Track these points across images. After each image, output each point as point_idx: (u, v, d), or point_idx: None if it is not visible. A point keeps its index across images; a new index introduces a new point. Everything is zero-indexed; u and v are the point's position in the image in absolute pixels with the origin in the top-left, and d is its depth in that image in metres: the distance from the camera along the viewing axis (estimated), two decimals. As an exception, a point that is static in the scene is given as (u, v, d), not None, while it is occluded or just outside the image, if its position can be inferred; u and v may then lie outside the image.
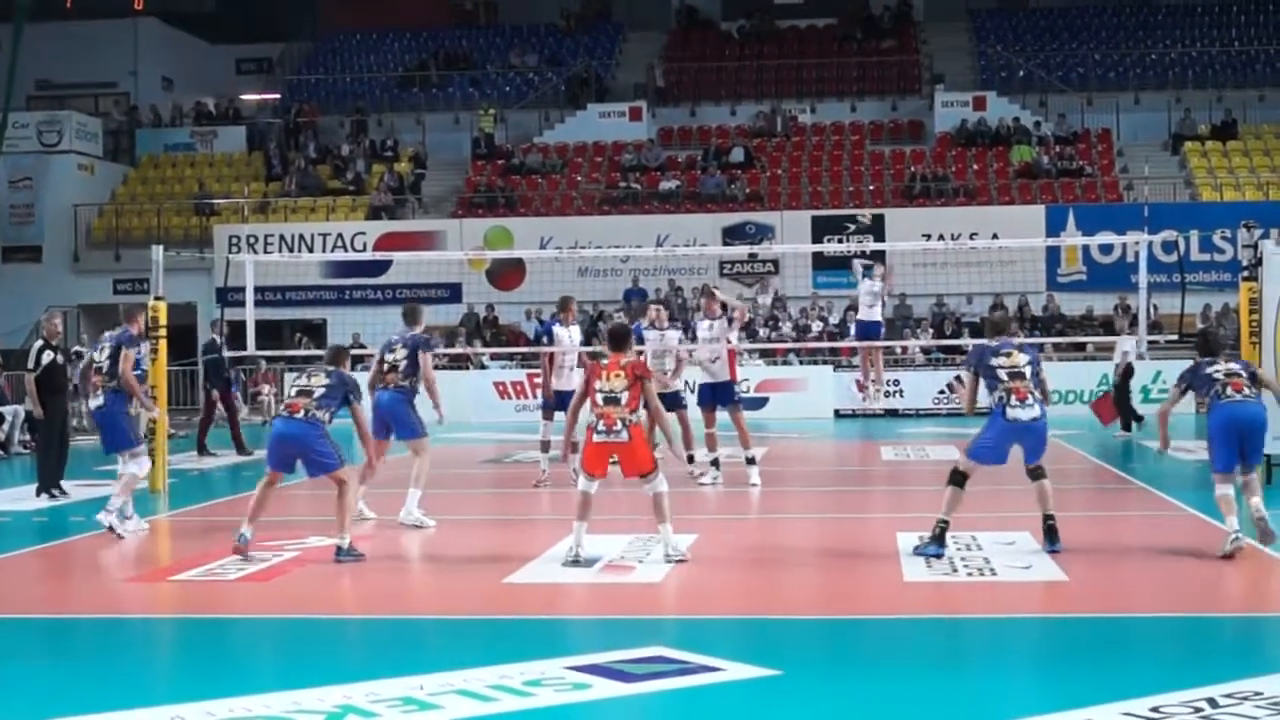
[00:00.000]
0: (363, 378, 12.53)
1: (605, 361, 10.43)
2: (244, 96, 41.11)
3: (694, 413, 15.60)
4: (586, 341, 18.12)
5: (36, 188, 35.03)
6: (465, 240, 31.94)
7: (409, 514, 12.29)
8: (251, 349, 17.75)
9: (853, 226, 31.14)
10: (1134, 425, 21.66)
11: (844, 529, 12.68)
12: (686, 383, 17.12)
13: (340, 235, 33.00)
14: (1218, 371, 10.54)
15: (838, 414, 27.14)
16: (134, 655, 8.12)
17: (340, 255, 31.94)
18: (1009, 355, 10.59)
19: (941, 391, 27.35)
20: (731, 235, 31.67)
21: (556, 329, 15.57)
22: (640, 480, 10.31)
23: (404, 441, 12.51)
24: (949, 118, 35.72)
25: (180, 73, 41.66)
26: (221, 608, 9.27)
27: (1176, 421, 11.34)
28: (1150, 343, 18.63)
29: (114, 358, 12.63)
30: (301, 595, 9.68)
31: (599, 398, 10.20)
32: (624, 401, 10.17)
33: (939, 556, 10.21)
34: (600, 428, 10.16)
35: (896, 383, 26.99)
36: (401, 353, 12.59)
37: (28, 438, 20.63)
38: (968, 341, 21.27)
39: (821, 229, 31.09)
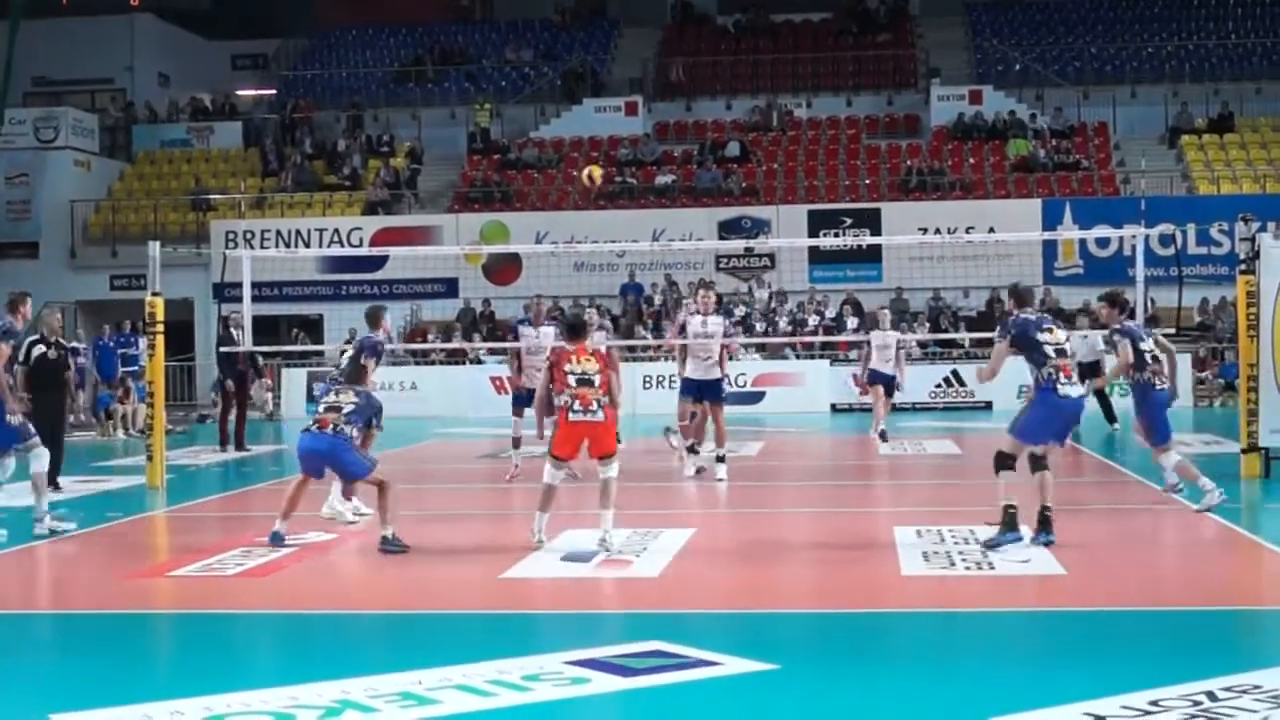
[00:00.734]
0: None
1: (572, 348, 10.68)
2: (240, 92, 41.12)
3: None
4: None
5: (33, 184, 35.02)
6: (461, 235, 31.95)
7: (330, 506, 12.37)
8: (248, 344, 17.77)
9: (849, 220, 31.15)
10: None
11: (841, 523, 12.68)
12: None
13: (336, 231, 32.99)
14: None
15: (834, 408, 27.15)
16: (132, 651, 8.11)
17: (337, 250, 31.97)
18: (1051, 331, 10.39)
19: (938, 385, 27.38)
20: (727, 230, 31.66)
21: (524, 329, 15.70)
22: (599, 462, 10.60)
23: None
24: (945, 111, 35.71)
25: (176, 69, 41.66)
26: (220, 603, 9.26)
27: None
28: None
29: None
30: (300, 590, 9.68)
31: (571, 380, 10.50)
32: (597, 384, 10.50)
33: (1019, 540, 10.13)
34: (576, 407, 10.48)
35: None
36: (350, 352, 12.50)
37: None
38: (964, 335, 21.29)
39: (817, 223, 31.08)
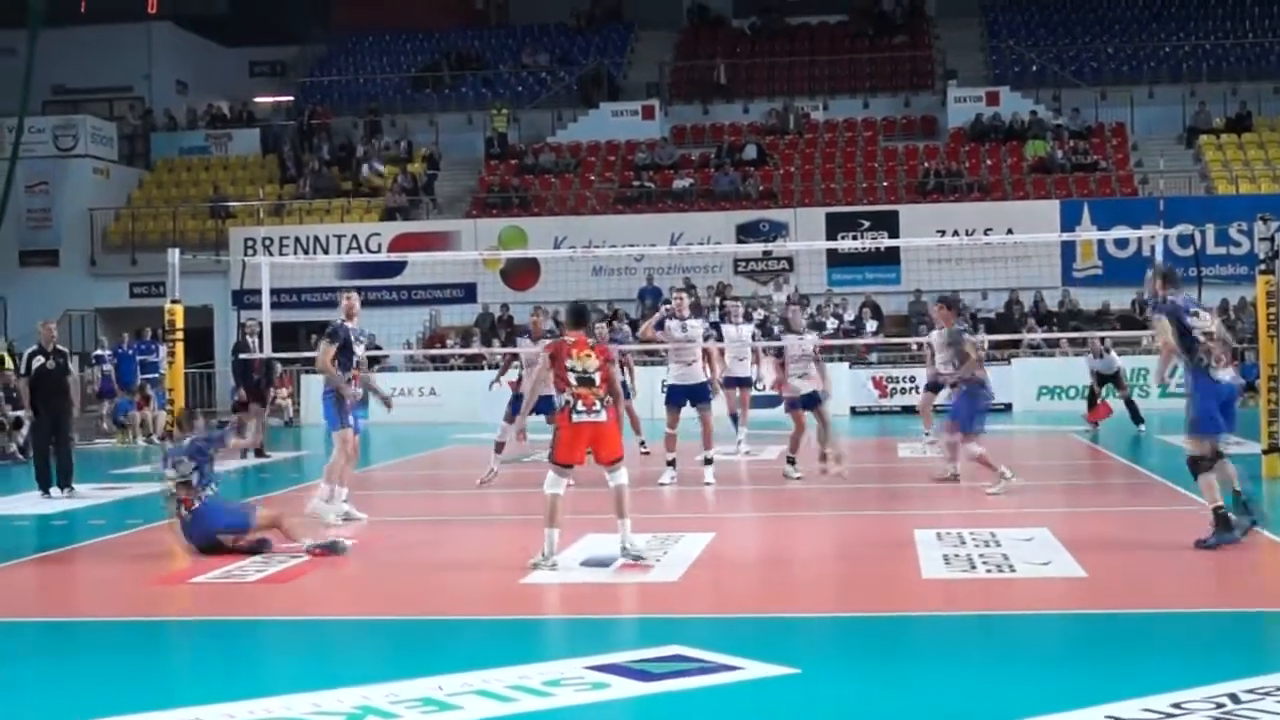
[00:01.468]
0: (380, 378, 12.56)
1: (571, 340, 10.20)
2: (258, 99, 41.25)
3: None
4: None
5: (53, 192, 35.19)
6: (480, 240, 31.99)
7: (314, 505, 12.45)
8: (268, 351, 17.81)
9: (867, 223, 31.11)
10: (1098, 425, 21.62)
11: (861, 526, 12.66)
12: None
13: (355, 237, 33.07)
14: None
15: (854, 411, 27.10)
16: (154, 658, 8.14)
17: (355, 256, 32.01)
18: (1198, 315, 10.16)
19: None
20: (746, 233, 31.67)
21: (521, 341, 15.86)
22: (607, 468, 10.12)
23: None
24: (962, 113, 35.66)
25: (194, 76, 41.82)
26: (241, 610, 9.29)
27: (1170, 417, 11.26)
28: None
29: None
30: (320, 597, 9.70)
31: (572, 378, 9.98)
32: (598, 382, 10.01)
33: (1234, 540, 10.08)
34: (579, 408, 9.95)
35: (912, 379, 26.91)
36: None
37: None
38: (983, 337, 21.17)
39: (835, 226, 31.06)
